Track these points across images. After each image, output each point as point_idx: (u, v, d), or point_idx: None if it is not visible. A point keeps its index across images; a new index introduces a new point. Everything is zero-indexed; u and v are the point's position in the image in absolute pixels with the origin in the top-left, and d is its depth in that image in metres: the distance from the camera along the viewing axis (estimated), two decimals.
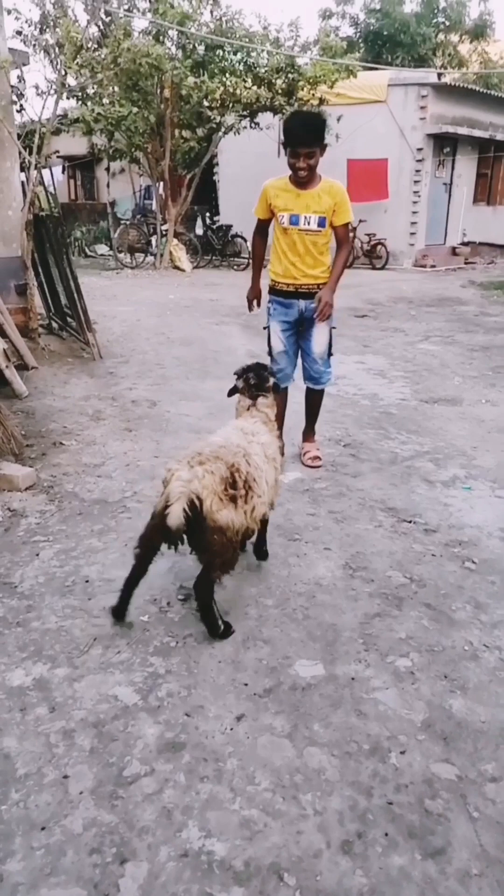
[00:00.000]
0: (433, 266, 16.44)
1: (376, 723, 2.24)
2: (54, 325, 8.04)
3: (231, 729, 2.19)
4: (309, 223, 3.89)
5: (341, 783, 2.00)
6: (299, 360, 4.36)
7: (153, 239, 15.52)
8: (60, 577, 3.03)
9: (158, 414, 5.38)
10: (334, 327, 4.26)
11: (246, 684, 2.39)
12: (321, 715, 2.26)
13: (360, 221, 15.98)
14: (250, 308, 4.39)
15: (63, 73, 6.60)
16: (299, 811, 1.91)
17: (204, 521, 2.37)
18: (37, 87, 6.25)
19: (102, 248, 17.93)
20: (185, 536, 2.41)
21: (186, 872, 1.72)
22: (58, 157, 20.35)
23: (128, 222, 16.55)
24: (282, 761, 2.07)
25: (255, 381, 3.11)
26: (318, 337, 4.17)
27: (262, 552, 3.20)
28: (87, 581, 2.99)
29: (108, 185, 16.42)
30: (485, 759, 2.11)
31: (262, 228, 4.18)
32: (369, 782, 2.01)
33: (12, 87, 6.33)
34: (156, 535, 2.49)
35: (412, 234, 16.63)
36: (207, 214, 17.43)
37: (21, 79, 6.48)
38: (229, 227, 16.54)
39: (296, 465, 4.39)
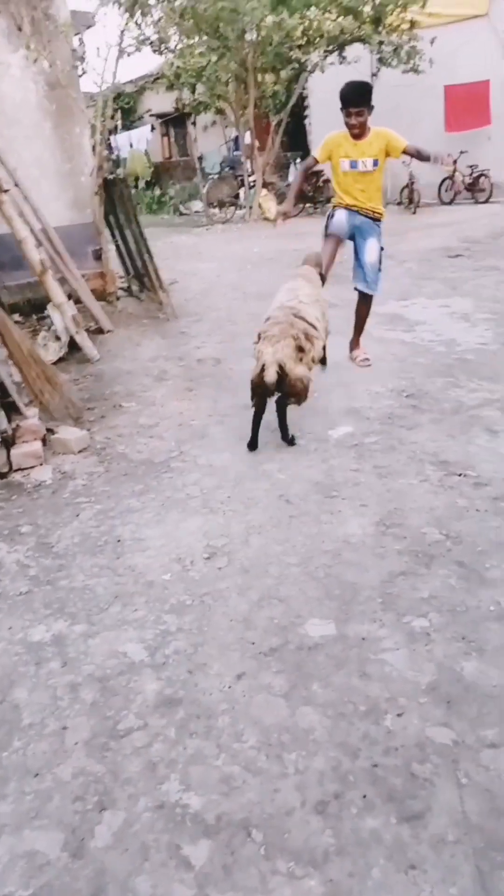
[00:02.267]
0: None
1: (378, 684, 2.19)
2: (133, 287, 8.21)
3: (229, 687, 2.22)
4: (366, 166, 4.71)
5: (328, 744, 1.98)
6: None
7: (241, 191, 15.33)
8: (95, 536, 3.15)
9: (221, 372, 5.39)
10: (383, 248, 5.05)
11: (253, 643, 2.41)
12: (322, 675, 2.24)
13: (461, 153, 14.95)
14: (282, 219, 5.04)
15: (122, 30, 6.57)
16: (280, 769, 1.91)
17: (286, 376, 3.66)
18: (97, 50, 6.23)
19: (196, 205, 17.94)
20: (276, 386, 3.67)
21: (159, 823, 1.79)
22: (150, 115, 20.51)
23: (215, 176, 16.42)
24: (273, 720, 2.08)
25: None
26: (370, 249, 4.97)
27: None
28: (118, 541, 3.09)
29: (195, 140, 16.31)
30: (487, 725, 2.02)
31: (311, 168, 5.14)
32: (358, 744, 1.98)
33: (73, 50, 6.37)
34: (260, 388, 3.73)
35: None
36: (298, 160, 16.94)
37: (81, 41, 6.49)
38: (320, 172, 15.99)
39: (349, 418, 4.28)
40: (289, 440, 3.94)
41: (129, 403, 4.80)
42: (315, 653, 2.35)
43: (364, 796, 1.82)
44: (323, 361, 4.49)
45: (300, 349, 3.74)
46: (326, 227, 4.99)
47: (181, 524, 3.18)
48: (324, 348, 4.29)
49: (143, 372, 5.49)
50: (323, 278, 4.87)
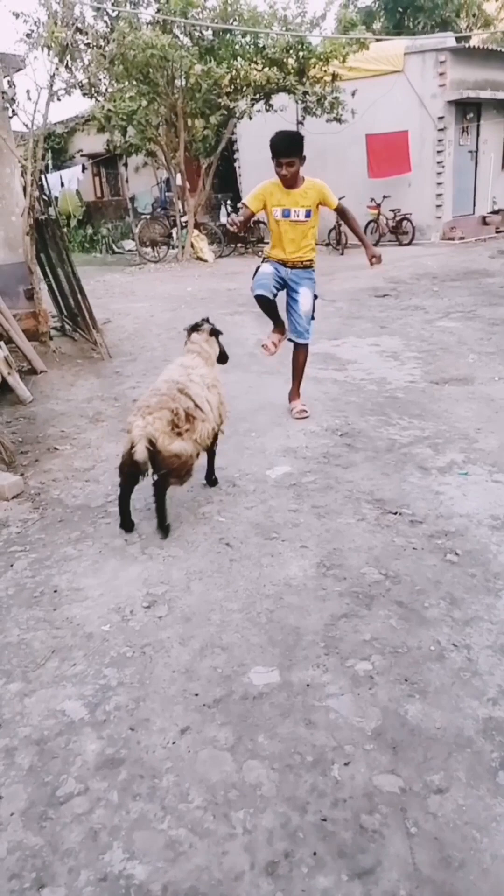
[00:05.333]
0: (462, 238, 15.93)
1: (324, 732, 2.17)
2: (67, 326, 8.11)
3: (173, 743, 2.15)
4: (298, 215, 4.66)
5: (277, 799, 1.94)
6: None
7: (174, 231, 15.49)
8: (30, 587, 3.04)
9: None
10: (317, 295, 5.00)
11: (196, 695, 2.35)
12: (268, 725, 2.20)
13: (385, 197, 15.62)
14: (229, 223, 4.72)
15: (51, 74, 6.58)
16: (228, 830, 1.86)
17: (159, 453, 3.17)
18: (27, 93, 6.22)
19: (129, 244, 17.98)
20: (149, 465, 3.18)
21: None
22: (81, 155, 20.57)
23: (148, 216, 16.55)
24: (219, 776, 2.02)
25: (193, 326, 3.95)
26: (304, 298, 4.88)
27: (211, 479, 3.96)
28: (55, 591, 2.99)
29: (126, 181, 16.43)
30: (433, 769, 2.02)
31: (249, 219, 4.83)
32: (306, 797, 1.94)
33: (3, 93, 6.34)
34: (128, 468, 3.26)
35: (438, 206, 16.13)
36: (229, 202, 17.28)
37: (11, 83, 6.46)
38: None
39: (286, 458, 4.31)
40: (165, 529, 3.39)
41: (64, 446, 4.70)
42: (260, 702, 2.31)
43: (314, 853, 1.79)
44: (212, 480, 3.96)
45: (175, 423, 3.24)
46: (254, 277, 4.81)
47: (120, 572, 3.11)
48: (216, 436, 3.74)
49: (78, 413, 5.40)
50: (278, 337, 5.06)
